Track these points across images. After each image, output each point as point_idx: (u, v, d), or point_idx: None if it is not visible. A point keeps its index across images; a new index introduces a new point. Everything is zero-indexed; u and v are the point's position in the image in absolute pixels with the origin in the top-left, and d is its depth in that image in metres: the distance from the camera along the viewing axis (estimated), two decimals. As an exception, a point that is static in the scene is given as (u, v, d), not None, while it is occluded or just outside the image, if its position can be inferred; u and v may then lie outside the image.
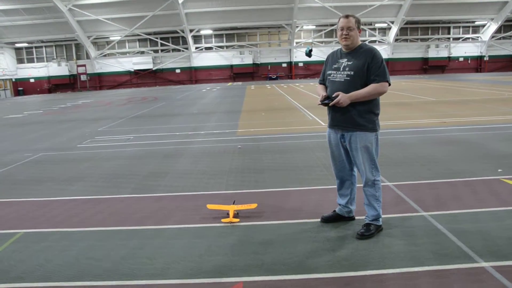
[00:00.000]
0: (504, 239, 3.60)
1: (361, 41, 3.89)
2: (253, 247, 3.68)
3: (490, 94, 18.17)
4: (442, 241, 3.64)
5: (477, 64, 48.15)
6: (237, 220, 4.29)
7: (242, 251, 3.62)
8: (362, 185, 3.92)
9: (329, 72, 3.90)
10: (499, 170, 5.80)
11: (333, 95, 3.71)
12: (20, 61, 47.11)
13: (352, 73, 3.70)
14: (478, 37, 47.67)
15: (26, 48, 46.64)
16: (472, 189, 5.06)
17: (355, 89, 3.68)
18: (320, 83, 4.12)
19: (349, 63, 3.75)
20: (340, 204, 4.16)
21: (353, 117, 3.75)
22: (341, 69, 3.77)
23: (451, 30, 47.77)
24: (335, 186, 4.19)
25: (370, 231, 3.80)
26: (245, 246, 3.72)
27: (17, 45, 45.72)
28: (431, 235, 3.76)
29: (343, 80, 3.74)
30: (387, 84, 3.72)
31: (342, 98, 3.65)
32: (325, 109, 3.96)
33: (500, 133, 8.66)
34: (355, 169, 4.03)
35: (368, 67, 3.67)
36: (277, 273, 3.20)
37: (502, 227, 3.86)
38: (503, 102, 14.77)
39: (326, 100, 3.77)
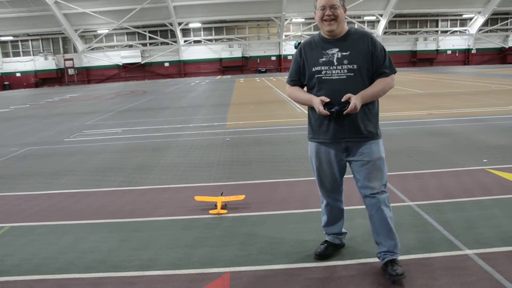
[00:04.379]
0: (488, 227, 3.66)
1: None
2: (240, 238, 3.70)
3: (477, 86, 18.35)
4: (428, 230, 3.69)
5: (465, 57, 48.53)
6: (225, 211, 4.31)
7: (229, 242, 3.64)
8: (369, 207, 3.02)
9: (317, 68, 2.89)
10: (484, 161, 5.88)
11: (343, 99, 2.78)
12: (5, 54, 46.38)
13: (355, 67, 2.82)
14: (465, 30, 48.00)
15: (12, 41, 45.91)
16: (458, 179, 5.13)
17: (363, 87, 2.84)
18: (294, 85, 3.11)
19: (344, 53, 2.84)
20: (332, 234, 3.33)
21: (362, 124, 2.90)
22: (336, 63, 2.84)
23: (439, 23, 48.03)
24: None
25: (401, 266, 2.91)
26: (233, 237, 3.74)
27: (2, 38, 44.95)
28: (417, 225, 3.80)
29: (344, 77, 2.82)
30: (394, 76, 2.98)
31: (357, 101, 2.75)
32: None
33: (486, 125, 8.77)
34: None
35: (372, 57, 2.85)
36: (264, 263, 3.22)
37: (486, 216, 3.92)
38: (490, 94, 14.93)
39: (336, 107, 2.79)
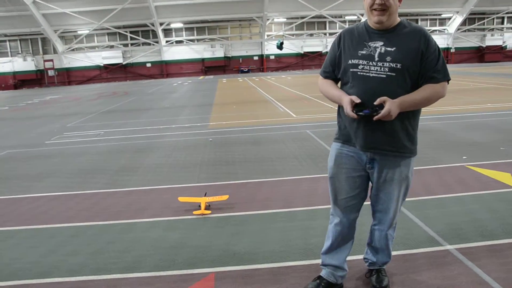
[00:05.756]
0: (467, 223, 3.74)
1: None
2: (225, 238, 3.70)
3: (456, 84, 18.65)
4: (409, 226, 3.75)
5: (444, 56, 48.83)
6: (209, 212, 4.30)
7: (213, 242, 3.64)
8: (376, 224, 2.80)
9: (354, 61, 2.46)
10: (464, 157, 6.00)
11: (376, 103, 2.34)
12: (-18, 56, 45.46)
13: (398, 66, 2.36)
14: (444, 29, 48.78)
15: (-11, 42, 45.03)
16: (438, 176, 5.22)
17: (404, 92, 2.38)
18: (326, 77, 2.67)
19: (389, 49, 2.39)
20: (330, 265, 2.82)
21: (397, 135, 2.47)
22: (377, 58, 2.40)
23: (419, 22, 48.63)
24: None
25: (386, 276, 2.86)
26: (217, 237, 3.74)
27: (-21, 39, 44.10)
28: (400, 222, 3.79)
29: (384, 76, 2.38)
30: (447, 84, 2.48)
31: (392, 107, 2.30)
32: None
33: (465, 122, 8.94)
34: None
35: (422, 58, 2.38)
36: (249, 262, 3.24)
37: (466, 211, 4.01)
38: (468, 92, 15.23)
39: (366, 111, 2.37)
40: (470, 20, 47.80)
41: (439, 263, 3.07)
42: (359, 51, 2.44)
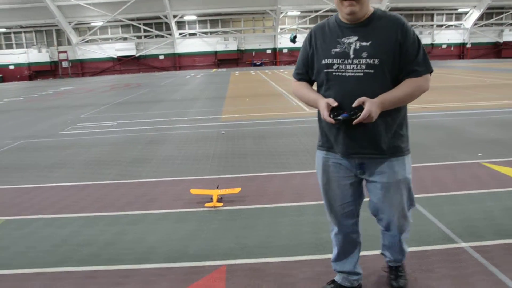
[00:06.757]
0: (483, 220, 3.68)
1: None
2: (237, 231, 3.70)
3: (471, 80, 18.41)
4: (423, 223, 3.70)
5: (460, 51, 48.66)
6: (221, 204, 4.30)
7: (225, 235, 3.63)
8: (384, 230, 2.63)
9: (327, 61, 2.24)
10: (479, 154, 5.91)
11: (354, 104, 2.13)
12: (-2, 47, 46.01)
13: (376, 62, 2.15)
14: (460, 24, 48.07)
15: (4, 33, 45.48)
16: (453, 173, 5.15)
17: (385, 89, 2.18)
18: (301, 79, 2.46)
19: (364, 43, 2.17)
20: (343, 272, 2.71)
21: (382, 137, 2.27)
22: (353, 56, 2.18)
23: (435, 17, 48.06)
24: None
25: (403, 274, 2.79)
26: (228, 230, 3.74)
27: (-5, 30, 44.61)
28: (413, 218, 3.74)
29: (361, 74, 2.17)
30: (430, 76, 2.28)
31: (373, 108, 2.10)
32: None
33: (481, 118, 8.80)
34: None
35: (401, 51, 2.17)
36: (260, 256, 3.23)
37: (481, 209, 3.95)
38: (484, 88, 14.99)
39: (344, 114, 2.15)
40: (487, 14, 47.01)
41: (453, 261, 3.02)
42: (332, 49, 2.23)
